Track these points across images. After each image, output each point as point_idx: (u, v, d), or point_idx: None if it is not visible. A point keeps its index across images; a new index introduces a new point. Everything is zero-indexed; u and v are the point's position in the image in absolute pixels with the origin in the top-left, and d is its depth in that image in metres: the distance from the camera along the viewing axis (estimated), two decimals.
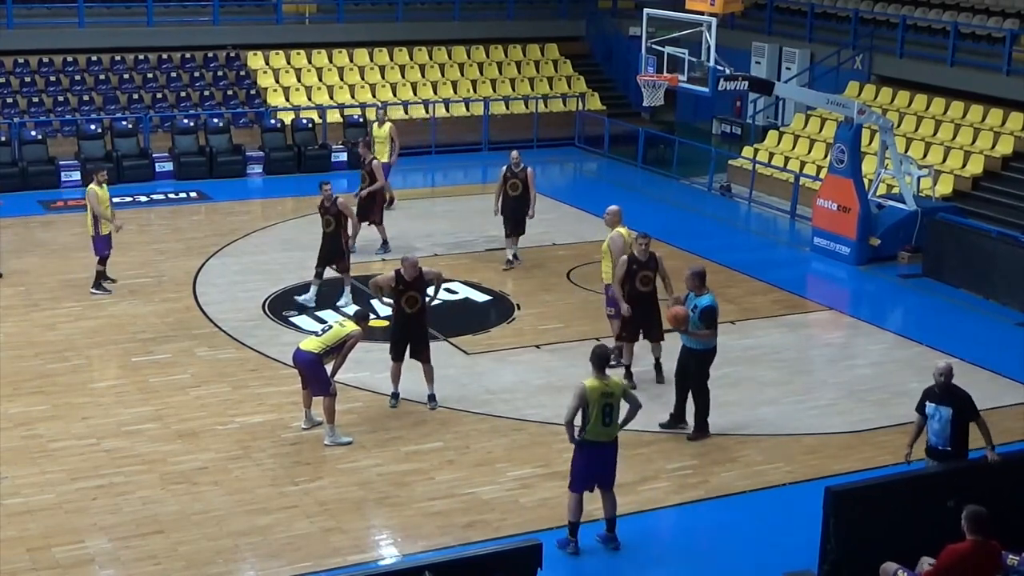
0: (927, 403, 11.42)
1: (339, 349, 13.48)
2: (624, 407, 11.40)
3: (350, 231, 18.46)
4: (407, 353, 14.49)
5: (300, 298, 18.04)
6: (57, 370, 15.56)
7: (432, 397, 14.66)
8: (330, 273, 17.94)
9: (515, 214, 19.72)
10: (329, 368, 13.52)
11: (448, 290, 18.57)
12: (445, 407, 14.63)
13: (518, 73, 31.02)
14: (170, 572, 11.12)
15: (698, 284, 13.62)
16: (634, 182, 26.50)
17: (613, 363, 15.33)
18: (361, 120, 27.43)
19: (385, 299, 14.83)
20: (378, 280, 14.54)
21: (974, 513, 9.23)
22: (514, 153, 19.84)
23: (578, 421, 11.22)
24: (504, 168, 19.72)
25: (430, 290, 14.73)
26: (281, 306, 17.95)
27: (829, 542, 10.42)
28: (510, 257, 19.84)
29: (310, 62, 29.55)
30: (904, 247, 20.89)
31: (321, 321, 16.68)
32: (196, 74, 28.49)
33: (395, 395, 14.68)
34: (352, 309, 16.23)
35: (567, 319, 17.56)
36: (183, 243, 21.09)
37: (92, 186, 18.23)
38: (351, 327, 13.62)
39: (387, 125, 22.84)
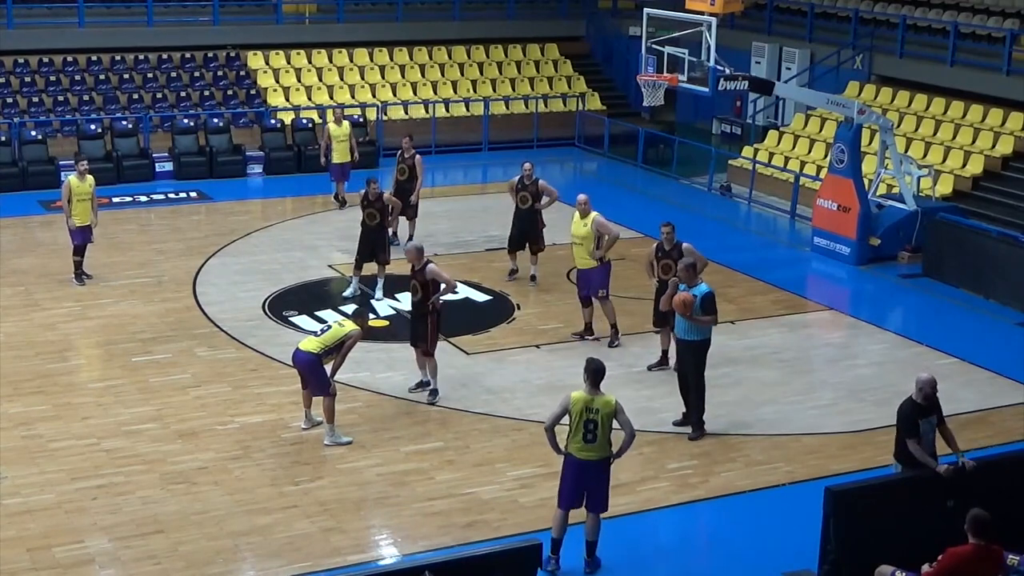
0: (919, 420, 11.04)
1: (338, 349, 13.48)
2: (618, 431, 11.05)
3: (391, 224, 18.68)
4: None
5: (344, 293, 18.20)
6: (57, 370, 15.56)
7: (434, 391, 14.75)
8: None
9: (522, 229, 19.01)
10: (328, 368, 13.52)
11: None
12: (445, 407, 14.64)
13: (518, 73, 31.01)
14: (170, 572, 11.13)
15: (691, 275, 13.81)
16: (634, 182, 26.50)
17: (617, 344, 16.49)
18: (361, 120, 27.44)
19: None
20: None
21: (977, 517, 9.14)
22: (526, 164, 19.07)
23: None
24: (516, 179, 19.14)
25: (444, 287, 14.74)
26: (281, 306, 17.95)
27: (829, 542, 10.41)
28: (513, 267, 19.33)
29: (310, 62, 29.54)
30: (904, 247, 20.89)
31: (321, 321, 16.69)
32: (196, 74, 28.49)
33: (419, 383, 14.92)
34: (383, 303, 16.49)
35: (567, 319, 17.55)
36: (183, 243, 21.09)
37: (71, 177, 18.45)
38: (350, 327, 13.62)
39: (345, 124, 23.04)
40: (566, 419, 11.03)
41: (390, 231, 20.28)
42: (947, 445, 11.16)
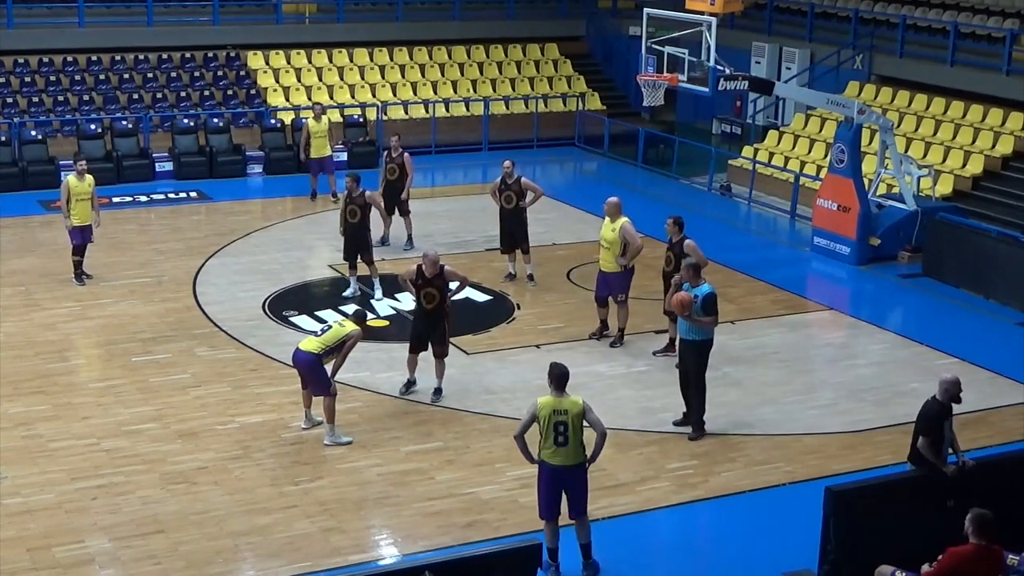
0: (944, 422, 10.90)
1: (339, 349, 13.48)
2: (590, 433, 10.97)
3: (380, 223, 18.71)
4: (427, 346, 14.72)
5: (344, 293, 18.19)
6: (57, 370, 15.56)
7: (438, 390, 14.78)
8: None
9: (510, 229, 19.01)
10: (329, 368, 13.52)
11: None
12: (445, 407, 14.64)
13: (518, 73, 31.01)
14: (170, 572, 11.13)
15: (693, 276, 13.83)
16: (634, 182, 26.48)
17: (617, 345, 16.60)
18: (361, 120, 27.46)
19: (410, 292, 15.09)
20: (403, 274, 14.81)
21: (979, 517, 9.09)
22: (506, 163, 19.05)
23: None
24: (497, 180, 19.14)
25: (453, 285, 14.81)
26: (281, 306, 17.95)
27: (829, 542, 10.41)
28: (511, 271, 19.30)
29: (310, 62, 29.54)
30: (904, 247, 20.89)
31: (321, 321, 16.68)
32: (196, 74, 28.49)
33: (408, 383, 14.89)
34: (383, 303, 16.57)
35: (567, 319, 17.56)
36: (183, 243, 21.09)
37: (69, 176, 18.50)
38: (350, 327, 13.63)
39: (324, 119, 23.36)
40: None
41: (382, 232, 20.30)
42: (950, 445, 11.16)
